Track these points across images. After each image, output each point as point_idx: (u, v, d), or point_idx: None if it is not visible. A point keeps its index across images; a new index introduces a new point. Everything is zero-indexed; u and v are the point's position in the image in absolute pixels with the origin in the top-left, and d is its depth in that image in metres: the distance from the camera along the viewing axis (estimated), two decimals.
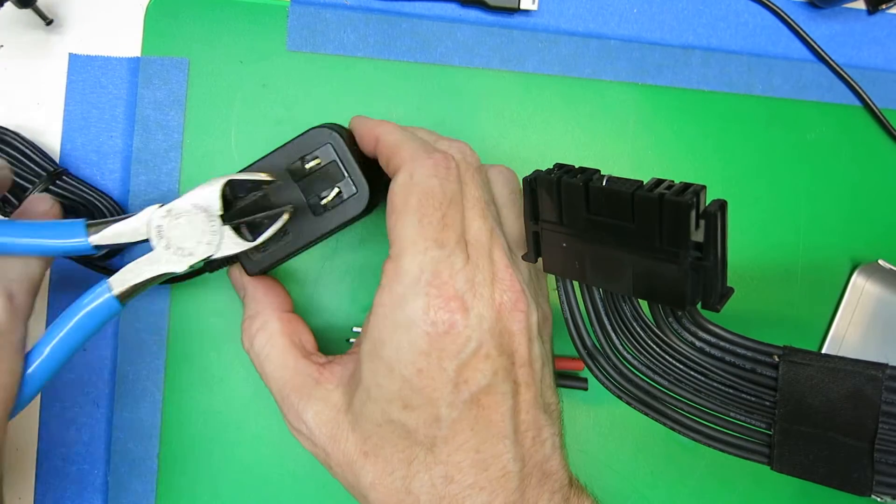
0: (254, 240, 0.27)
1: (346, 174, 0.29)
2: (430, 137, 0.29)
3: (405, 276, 0.25)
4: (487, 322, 0.25)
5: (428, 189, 0.25)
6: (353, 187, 0.29)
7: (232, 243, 0.26)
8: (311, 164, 0.29)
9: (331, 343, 0.35)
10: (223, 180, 0.26)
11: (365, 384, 0.26)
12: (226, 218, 0.26)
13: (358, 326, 0.35)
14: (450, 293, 0.25)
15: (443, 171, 0.26)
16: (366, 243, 0.35)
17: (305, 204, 0.29)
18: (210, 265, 0.31)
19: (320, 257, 0.35)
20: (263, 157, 0.29)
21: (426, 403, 0.25)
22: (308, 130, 0.29)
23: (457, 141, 0.29)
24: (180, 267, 0.25)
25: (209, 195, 0.26)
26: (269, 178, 0.27)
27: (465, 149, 0.28)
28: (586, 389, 0.36)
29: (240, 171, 0.27)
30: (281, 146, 0.29)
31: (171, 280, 0.32)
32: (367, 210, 0.30)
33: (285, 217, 0.27)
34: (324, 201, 0.29)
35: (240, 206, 0.27)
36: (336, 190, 0.29)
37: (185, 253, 0.25)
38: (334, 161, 0.29)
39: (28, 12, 0.33)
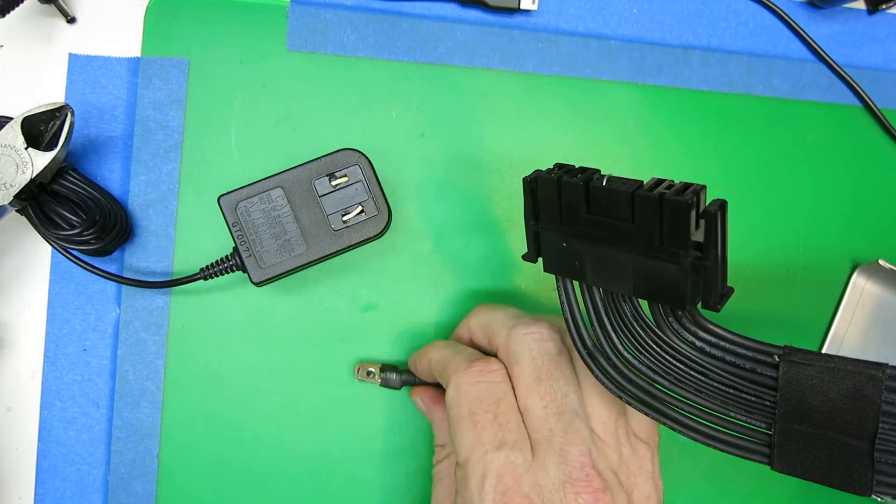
0: (54, 148, 0.29)
1: (369, 194, 0.31)
2: (510, 321, 0.29)
3: (471, 482, 0.25)
4: None
5: (475, 395, 0.26)
6: (375, 208, 0.31)
7: (42, 159, 0.29)
8: (338, 181, 0.31)
9: (332, 343, 0.35)
10: (19, 119, 0.29)
11: None
12: (29, 145, 0.29)
13: (367, 362, 0.35)
14: (515, 501, 0.24)
15: (486, 376, 0.27)
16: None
17: (325, 218, 0.31)
18: (205, 272, 0.31)
19: None
20: (291, 169, 0.31)
21: None
22: (339, 150, 0.31)
23: (536, 323, 0.28)
24: (6, 199, 0.29)
25: (11, 134, 0.29)
26: (60, 105, 0.30)
27: (544, 332, 0.28)
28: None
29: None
30: (310, 160, 0.31)
31: (172, 283, 0.32)
32: (385, 230, 0.31)
33: (70, 117, 0.29)
34: (345, 218, 0.31)
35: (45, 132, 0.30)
36: (359, 209, 0.31)
37: (8, 185, 0.29)
38: (360, 181, 0.31)
39: (28, 12, 0.33)
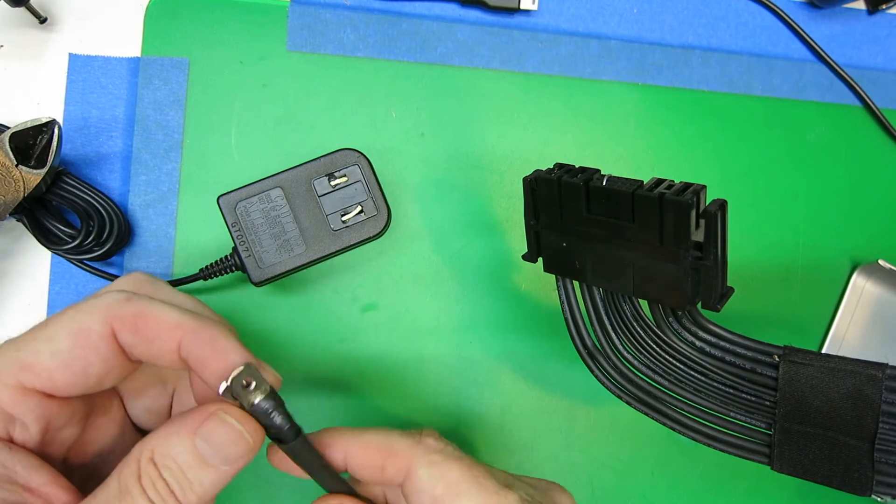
0: (44, 163, 0.29)
1: (368, 194, 0.31)
2: (501, 489, 0.24)
3: None
4: None
5: None
6: (374, 208, 0.31)
7: (33, 177, 0.29)
8: (338, 181, 0.31)
9: (332, 343, 0.35)
10: (7, 136, 0.29)
11: None
12: (20, 162, 0.29)
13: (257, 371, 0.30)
14: None
15: None
16: None
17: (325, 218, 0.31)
18: (205, 272, 0.31)
19: None
20: (291, 169, 0.31)
21: None
22: (338, 150, 0.31)
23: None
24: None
25: (1, 153, 0.29)
26: (47, 120, 0.29)
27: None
28: None
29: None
30: (310, 160, 0.31)
31: (172, 284, 0.32)
32: (384, 230, 0.31)
33: (57, 133, 0.29)
34: (345, 218, 0.31)
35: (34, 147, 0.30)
36: (358, 209, 0.31)
37: (1, 204, 0.29)
38: (360, 181, 0.31)
39: (27, 12, 0.33)
